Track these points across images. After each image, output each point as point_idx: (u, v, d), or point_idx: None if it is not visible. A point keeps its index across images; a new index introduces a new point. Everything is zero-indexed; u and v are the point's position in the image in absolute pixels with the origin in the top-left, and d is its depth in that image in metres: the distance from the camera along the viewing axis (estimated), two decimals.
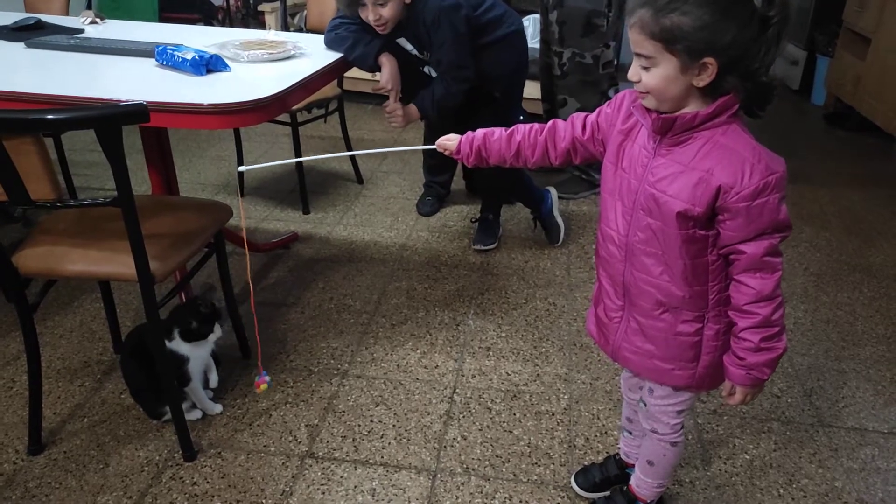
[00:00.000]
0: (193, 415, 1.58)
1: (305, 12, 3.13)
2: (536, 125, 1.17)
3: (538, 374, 1.78)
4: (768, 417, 1.65)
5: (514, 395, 1.70)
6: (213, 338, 1.51)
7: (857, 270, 2.33)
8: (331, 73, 1.76)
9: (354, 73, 2.38)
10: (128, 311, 1.99)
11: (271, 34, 1.97)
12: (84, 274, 1.41)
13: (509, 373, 1.79)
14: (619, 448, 1.42)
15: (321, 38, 1.95)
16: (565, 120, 1.16)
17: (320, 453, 1.51)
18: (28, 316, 1.40)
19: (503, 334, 1.95)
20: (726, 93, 0.93)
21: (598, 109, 1.12)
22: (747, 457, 1.53)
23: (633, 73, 0.95)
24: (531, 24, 3.53)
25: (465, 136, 1.19)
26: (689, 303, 1.04)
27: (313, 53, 1.81)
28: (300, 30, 3.69)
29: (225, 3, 4.84)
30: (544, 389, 1.73)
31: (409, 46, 1.99)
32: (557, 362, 1.83)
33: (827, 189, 3.00)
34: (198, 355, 1.51)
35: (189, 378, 1.51)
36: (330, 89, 2.64)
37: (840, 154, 3.46)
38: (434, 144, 1.22)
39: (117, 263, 1.36)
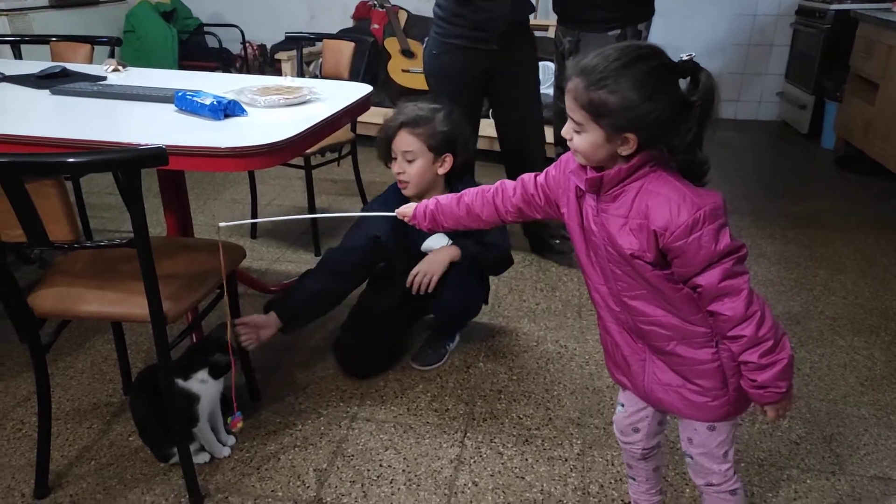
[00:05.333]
0: (201, 458, 1.57)
1: (321, 60, 3.22)
2: (484, 186, 1.25)
3: (550, 418, 1.75)
4: (787, 465, 1.60)
5: (526, 440, 1.67)
6: (208, 390, 1.51)
7: (874, 314, 2.30)
8: (345, 117, 1.80)
9: (367, 117, 2.43)
10: (139, 352, 2.00)
11: (288, 80, 2.03)
12: (98, 315, 1.42)
13: (521, 416, 1.76)
14: (629, 495, 1.39)
15: (336, 83, 2.00)
16: None
17: (328, 499, 1.49)
18: (41, 357, 1.41)
19: (514, 377, 1.93)
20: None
21: (545, 170, 1.17)
22: None
23: (566, 132, 1.01)
24: (542, 72, 3.60)
25: (420, 203, 1.29)
26: (692, 330, 1.05)
27: (328, 98, 1.85)
28: (315, 77, 3.79)
29: (242, 52, 4.99)
30: (557, 434, 1.69)
31: (441, 243, 1.84)
32: (570, 406, 1.80)
33: (840, 232, 2.98)
34: (208, 395, 1.51)
35: (198, 418, 1.50)
36: (343, 133, 2.69)
37: (852, 197, 3.45)
38: (393, 212, 1.33)
39: (131, 304, 1.37)
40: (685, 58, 0.95)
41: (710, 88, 0.95)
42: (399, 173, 1.78)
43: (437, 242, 1.86)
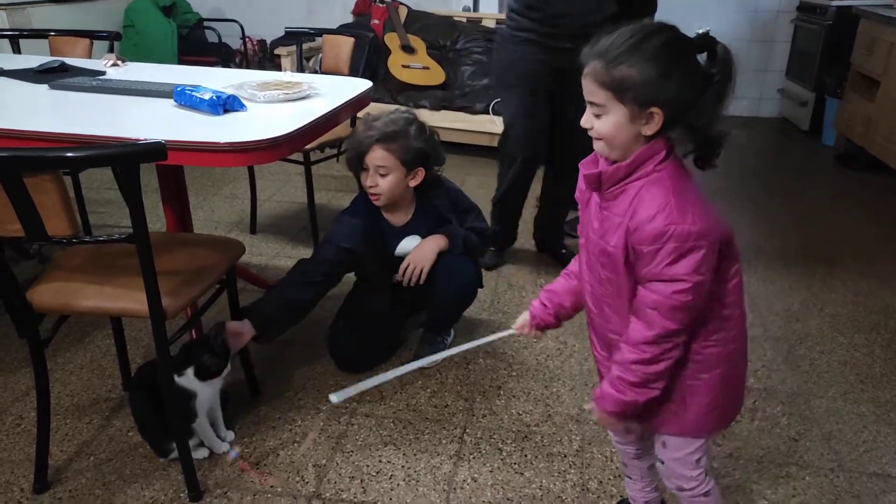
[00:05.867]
0: (200, 453, 1.57)
1: (321, 56, 3.21)
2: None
3: (549, 415, 1.75)
4: (786, 462, 1.60)
5: (526, 436, 1.67)
6: (225, 373, 1.51)
7: (874, 311, 2.29)
8: (344, 112, 1.80)
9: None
10: (138, 347, 1.99)
11: (287, 75, 2.02)
12: (97, 310, 1.42)
13: (520, 413, 1.76)
14: (626, 492, 1.39)
15: (336, 78, 1.99)
16: None
17: (328, 494, 1.49)
18: (40, 352, 1.40)
19: (514, 374, 1.93)
20: (664, 140, 0.96)
21: None
22: (766, 502, 1.48)
23: (585, 121, 0.99)
24: None
25: (532, 303, 1.23)
26: None
27: (328, 94, 1.84)
28: (315, 72, 3.77)
29: (242, 47, 4.98)
30: (556, 430, 1.69)
31: (414, 245, 1.85)
32: (569, 402, 1.80)
33: (840, 229, 2.98)
34: (206, 391, 1.50)
35: (195, 414, 1.50)
36: (343, 129, 2.67)
37: (852, 194, 3.45)
38: (512, 329, 1.26)
39: (130, 299, 1.37)
40: (701, 32, 0.94)
41: (728, 61, 0.93)
42: (371, 186, 1.76)
43: (411, 244, 1.86)
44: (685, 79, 0.93)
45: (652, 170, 0.97)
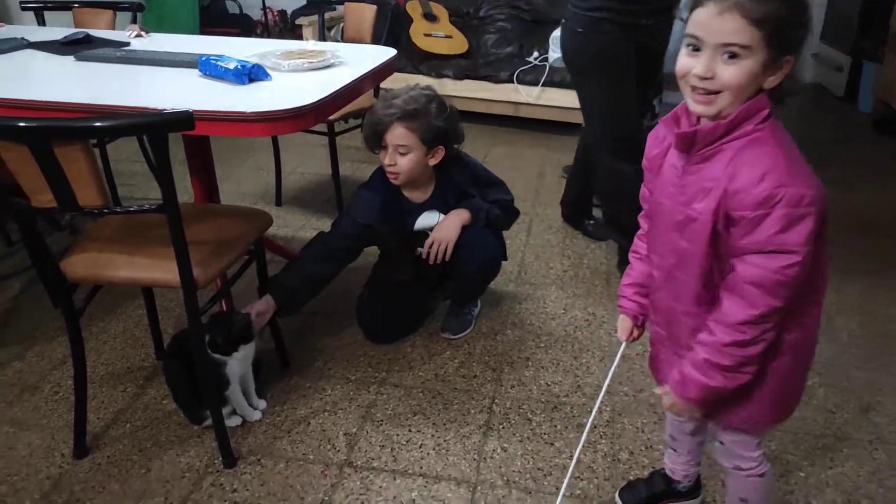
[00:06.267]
0: (233, 421, 1.59)
1: (342, 25, 3.17)
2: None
3: (579, 386, 1.74)
4: (823, 433, 1.57)
5: (555, 407, 1.67)
6: (237, 356, 1.51)
7: None
8: (369, 81, 1.77)
9: (390, 83, 2.39)
10: (169, 317, 2.02)
11: (311, 44, 1.99)
12: (129, 280, 1.43)
13: (549, 384, 1.75)
14: (664, 463, 1.37)
15: (360, 46, 1.96)
16: None
17: (359, 462, 1.50)
18: (74, 321, 1.42)
19: (542, 345, 1.91)
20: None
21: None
22: (802, 474, 1.46)
23: (706, 69, 0.84)
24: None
25: (622, 305, 1.14)
26: None
27: (352, 62, 1.81)
28: (337, 42, 3.73)
29: (263, 17, 4.94)
30: (586, 401, 1.68)
31: (433, 219, 1.82)
32: (599, 373, 1.79)
33: (877, 197, 2.89)
34: (236, 360, 1.51)
35: (228, 381, 1.52)
36: (366, 99, 2.64)
37: (890, 161, 3.34)
38: (623, 343, 1.16)
39: (161, 270, 1.38)
40: None
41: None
42: (390, 165, 1.73)
43: (429, 219, 1.83)
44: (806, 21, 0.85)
45: (752, 129, 0.87)
